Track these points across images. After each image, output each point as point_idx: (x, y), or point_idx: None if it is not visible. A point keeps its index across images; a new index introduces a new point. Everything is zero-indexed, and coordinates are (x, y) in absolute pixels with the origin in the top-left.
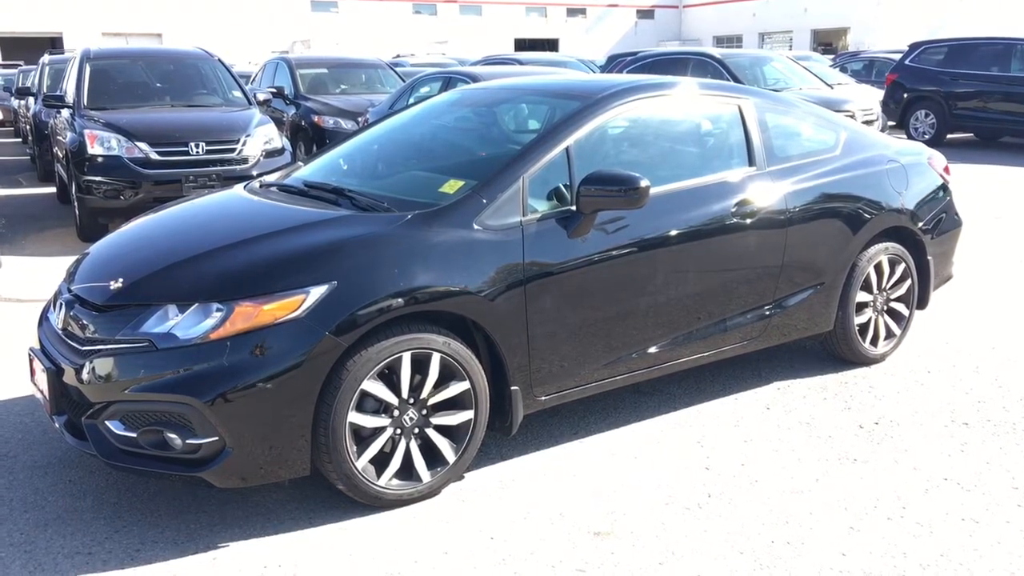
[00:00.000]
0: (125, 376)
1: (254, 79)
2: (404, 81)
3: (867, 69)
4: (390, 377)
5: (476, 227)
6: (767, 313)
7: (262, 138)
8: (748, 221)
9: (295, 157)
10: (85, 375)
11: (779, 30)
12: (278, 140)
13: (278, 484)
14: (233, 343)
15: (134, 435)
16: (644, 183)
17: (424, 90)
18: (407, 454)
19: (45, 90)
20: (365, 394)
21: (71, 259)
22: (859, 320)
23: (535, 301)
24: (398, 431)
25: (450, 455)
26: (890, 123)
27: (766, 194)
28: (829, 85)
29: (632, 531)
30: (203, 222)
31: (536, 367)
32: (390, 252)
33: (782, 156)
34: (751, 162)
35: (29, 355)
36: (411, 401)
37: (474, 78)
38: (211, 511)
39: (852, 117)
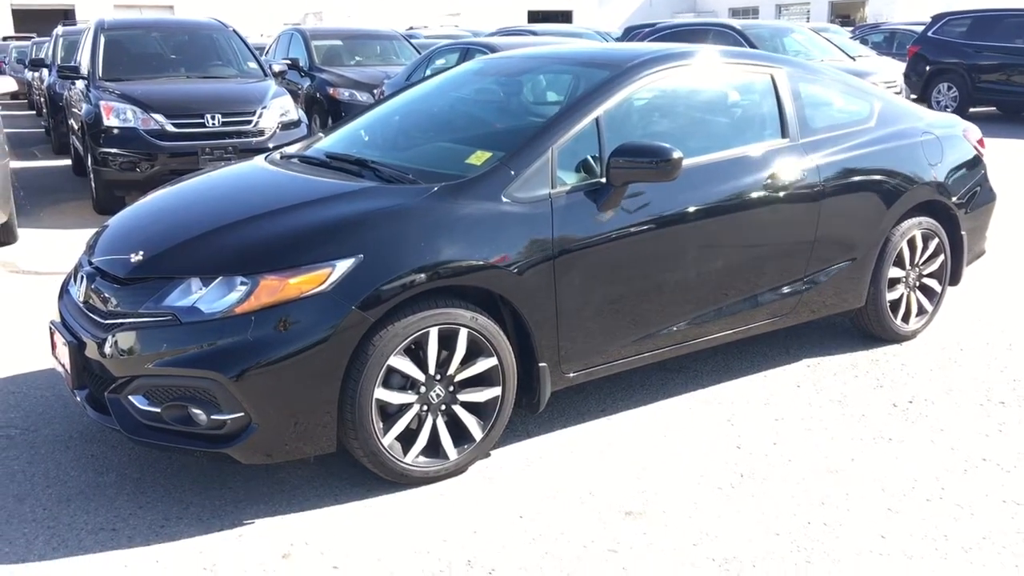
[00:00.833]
0: (148, 350)
1: (268, 51)
2: (419, 53)
3: (887, 41)
4: (416, 353)
5: (504, 199)
6: (798, 289)
7: (278, 110)
8: (781, 194)
9: (310, 129)
10: (107, 349)
11: (796, 2)
12: (294, 112)
13: (303, 460)
14: (258, 317)
15: (158, 410)
16: (677, 154)
17: (440, 62)
18: (434, 431)
19: (59, 62)
20: (391, 370)
21: (88, 232)
22: (891, 296)
23: (564, 275)
24: (425, 408)
25: (477, 432)
26: (912, 96)
27: (799, 167)
28: (851, 57)
29: (664, 511)
30: (225, 194)
31: (564, 343)
32: (417, 225)
33: (815, 127)
34: (784, 133)
35: (50, 328)
36: (438, 377)
37: (492, 49)
38: (236, 487)
39: None
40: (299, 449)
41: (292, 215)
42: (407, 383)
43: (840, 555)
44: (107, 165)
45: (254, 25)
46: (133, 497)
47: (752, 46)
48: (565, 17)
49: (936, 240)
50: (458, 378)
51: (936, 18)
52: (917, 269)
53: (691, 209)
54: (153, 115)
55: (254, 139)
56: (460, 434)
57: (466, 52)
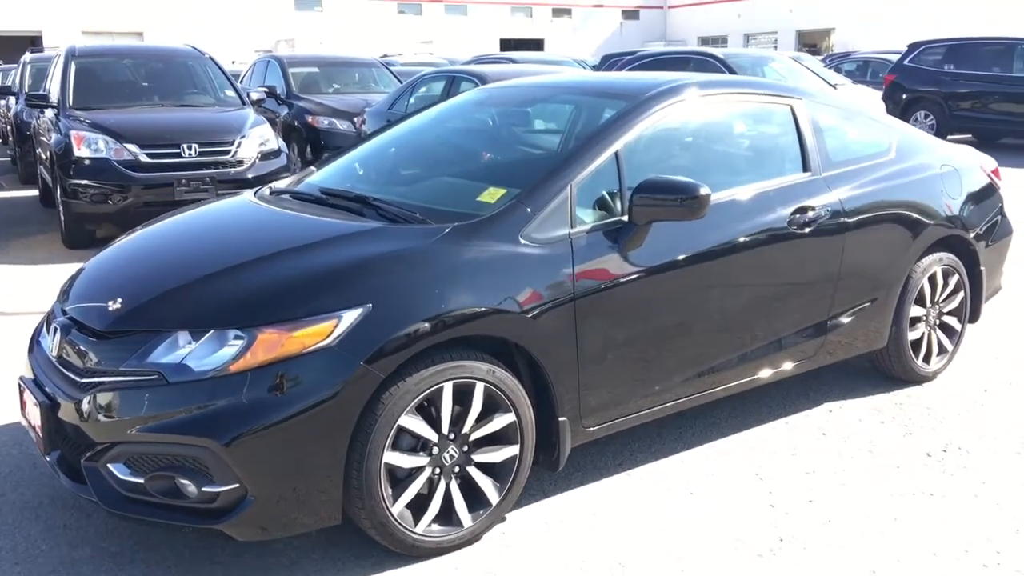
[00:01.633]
0: (131, 413)
1: (243, 78)
2: (399, 81)
3: (861, 70)
4: (428, 410)
5: (522, 241)
6: (822, 330)
7: (257, 139)
8: (805, 231)
9: (290, 159)
10: (85, 411)
11: (764, 31)
12: (274, 141)
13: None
14: (255, 376)
15: (141, 481)
16: (704, 191)
17: (424, 90)
18: (447, 496)
19: (27, 89)
20: (401, 430)
21: (58, 268)
22: (912, 336)
23: (585, 322)
24: (437, 471)
25: (493, 496)
26: None
27: (822, 202)
28: (832, 85)
29: None
30: (213, 235)
31: (585, 395)
32: (429, 270)
33: (836, 161)
34: (805, 167)
35: (19, 385)
36: (451, 437)
37: (481, 77)
38: (226, 562)
39: None
40: (300, 522)
41: (290, 260)
42: (418, 444)
43: None
44: (77, 197)
45: (225, 52)
46: (111, 575)
47: (733, 74)
48: (537, 45)
49: (956, 276)
50: (473, 437)
51: (912, 47)
52: (937, 307)
53: (715, 248)
54: (126, 145)
55: (232, 170)
56: (474, 498)
57: (452, 80)
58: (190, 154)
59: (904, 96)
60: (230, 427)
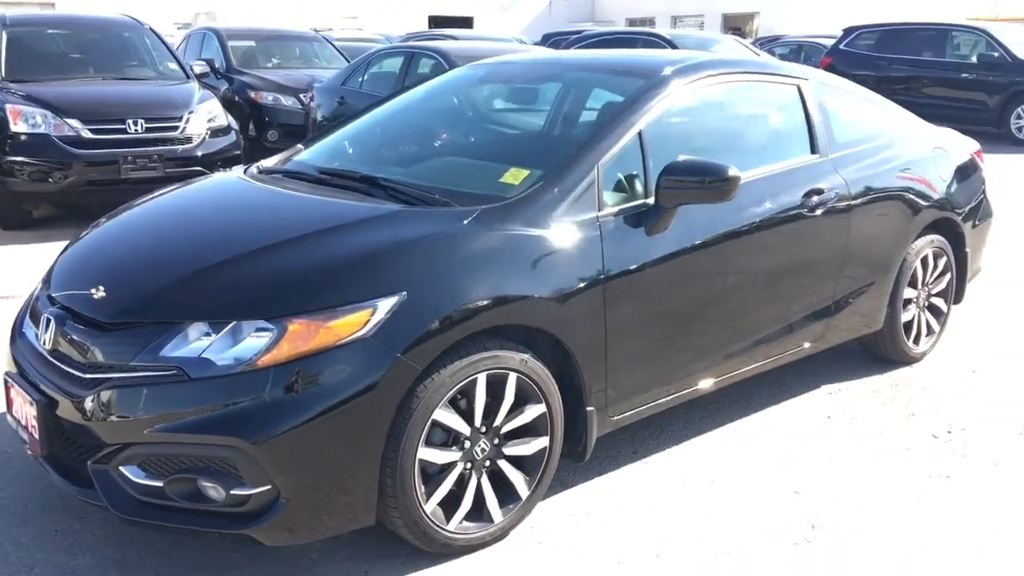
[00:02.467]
0: (147, 412)
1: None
2: (343, 55)
3: (795, 53)
4: (458, 403)
5: (552, 225)
6: (828, 313)
7: (205, 115)
8: (816, 213)
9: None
10: (91, 410)
11: (691, 13)
12: (223, 117)
13: None
14: (287, 370)
15: (159, 484)
16: (733, 172)
17: (378, 67)
18: (478, 491)
19: None
20: (434, 425)
21: None
22: (904, 318)
23: (614, 309)
24: (468, 465)
25: (523, 489)
26: None
27: (830, 184)
28: None
29: (744, 574)
30: (218, 217)
31: (612, 383)
32: (463, 255)
33: (841, 142)
34: (814, 149)
35: (5, 382)
36: (483, 430)
37: (443, 54)
38: (243, 567)
39: None
40: (333, 525)
41: (315, 245)
42: (449, 439)
43: None
44: (14, 175)
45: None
46: None
47: None
48: (466, 23)
49: (944, 258)
50: (504, 430)
51: (847, 31)
52: (927, 288)
53: (735, 231)
54: (67, 120)
55: (180, 147)
56: (504, 492)
57: (411, 57)
58: (136, 130)
59: None
60: (262, 425)
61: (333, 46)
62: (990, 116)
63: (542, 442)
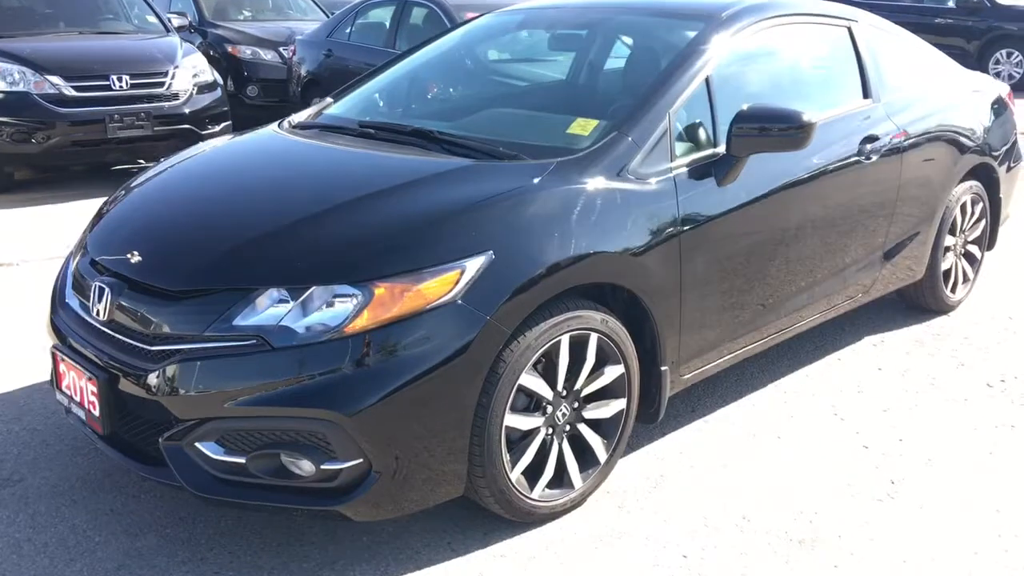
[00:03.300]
0: (227, 385)
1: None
2: (320, 8)
3: None
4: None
5: (629, 177)
6: (878, 263)
7: (191, 70)
8: (872, 160)
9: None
10: (161, 384)
11: None
12: (209, 72)
13: None
14: (376, 336)
15: (241, 461)
16: (808, 118)
17: (366, 17)
18: (559, 457)
19: None
20: (519, 390)
21: None
22: (944, 266)
23: (688, 263)
24: (550, 431)
25: (602, 453)
26: None
27: (884, 130)
28: None
29: (839, 534)
30: (275, 174)
31: (685, 340)
32: (545, 211)
33: (891, 87)
34: (866, 93)
35: (54, 355)
36: (563, 394)
37: (439, 4)
38: (321, 542)
39: None
40: (424, 498)
41: (390, 202)
42: (531, 404)
43: None
44: None
45: None
46: (192, 566)
47: None
48: None
49: (981, 204)
50: (584, 392)
51: None
52: (963, 235)
53: (797, 180)
54: (48, 77)
55: (167, 104)
56: (582, 457)
57: (403, 6)
58: (121, 86)
59: None
60: (356, 396)
61: None
62: (968, 62)
63: (620, 404)
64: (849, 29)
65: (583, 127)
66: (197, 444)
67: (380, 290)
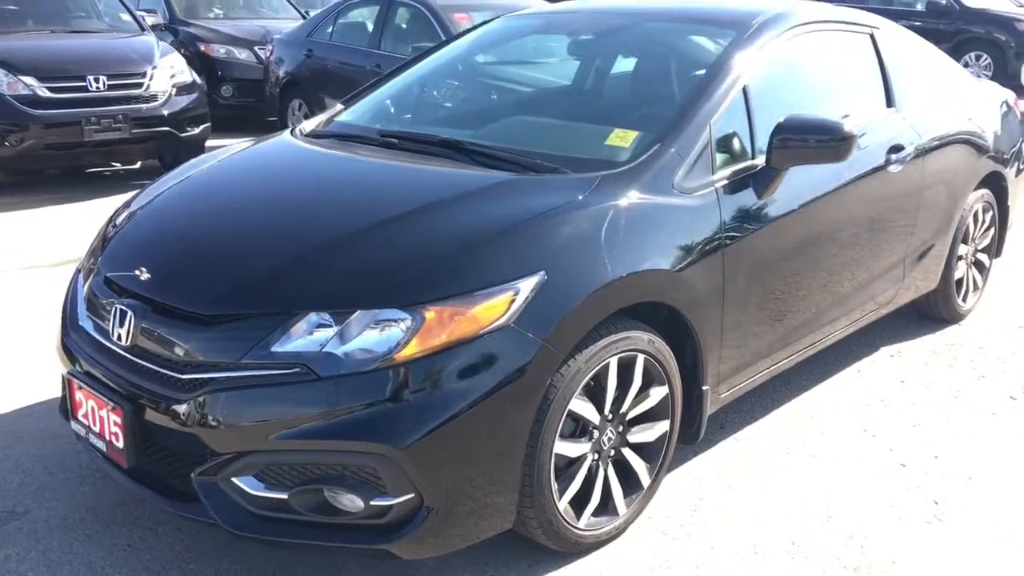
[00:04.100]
0: (269, 416)
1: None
2: (294, 6)
3: None
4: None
5: (674, 190)
6: (900, 274)
7: (168, 70)
8: (897, 170)
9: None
10: (194, 415)
11: None
12: (187, 72)
13: None
14: (428, 364)
15: (283, 496)
16: (849, 129)
17: (349, 16)
18: (605, 483)
19: None
20: (568, 415)
21: None
22: (956, 275)
23: (731, 280)
24: (596, 457)
25: (645, 478)
26: None
27: (908, 139)
28: None
29: (893, 560)
30: (304, 189)
31: (725, 358)
32: (595, 228)
33: (911, 95)
34: (889, 102)
35: (68, 382)
36: (609, 417)
37: (427, 5)
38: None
39: None
40: (474, 532)
41: (432, 219)
42: (577, 429)
43: None
44: None
45: None
46: None
47: None
48: None
49: (991, 212)
50: (630, 415)
51: None
52: (974, 244)
53: (830, 191)
54: (21, 78)
55: (145, 105)
56: (626, 482)
57: (388, 6)
58: (98, 88)
59: None
60: (409, 428)
61: None
62: None
63: (663, 426)
64: (872, 36)
65: (622, 138)
66: (234, 479)
67: (430, 314)
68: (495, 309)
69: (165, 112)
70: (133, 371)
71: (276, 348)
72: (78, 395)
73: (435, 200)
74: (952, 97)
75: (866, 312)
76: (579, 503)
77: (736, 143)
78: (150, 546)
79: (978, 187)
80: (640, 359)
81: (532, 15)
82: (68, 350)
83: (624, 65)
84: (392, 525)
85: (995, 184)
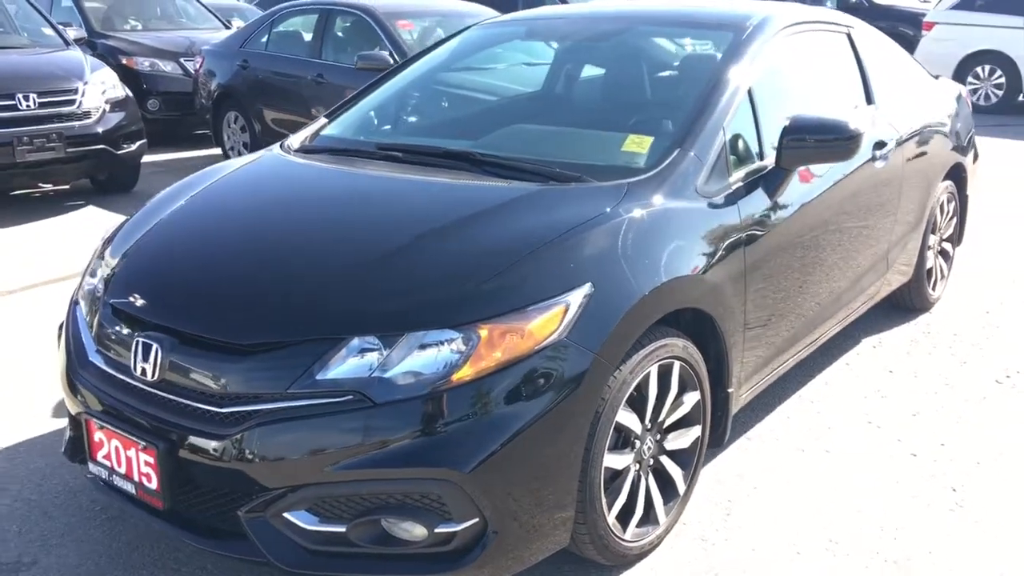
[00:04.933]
0: (325, 447)
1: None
2: (215, 15)
3: None
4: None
5: (698, 195)
6: (884, 266)
7: (99, 86)
8: (881, 166)
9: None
10: (239, 450)
11: None
12: (120, 87)
13: None
14: (486, 384)
15: (341, 530)
16: (855, 128)
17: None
18: (647, 493)
19: None
20: (615, 427)
21: None
22: (927, 264)
23: (752, 281)
24: (637, 467)
25: (681, 485)
26: None
27: (888, 135)
28: None
29: (929, 551)
30: (324, 206)
31: (746, 359)
32: (633, 236)
33: (885, 91)
34: (869, 99)
35: (84, 423)
36: (648, 427)
37: (369, 12)
38: None
39: None
40: (535, 552)
41: (470, 233)
42: (619, 440)
43: None
44: None
45: None
46: None
47: None
48: None
49: (954, 203)
50: (667, 423)
51: None
52: (940, 233)
53: (830, 187)
54: None
55: (78, 123)
56: (665, 491)
57: (328, 15)
58: (28, 106)
59: None
60: (472, 450)
61: (203, 5)
62: None
63: (696, 432)
64: (848, 35)
65: (639, 144)
66: (286, 514)
67: (484, 332)
68: (549, 324)
69: (100, 129)
70: (162, 407)
71: (323, 375)
72: (97, 435)
73: (466, 214)
74: (917, 92)
75: (859, 305)
76: (622, 514)
77: (745, 145)
78: None
79: (944, 178)
80: (676, 366)
81: (513, 21)
82: (78, 389)
83: (622, 70)
84: (457, 552)
85: (956, 175)
